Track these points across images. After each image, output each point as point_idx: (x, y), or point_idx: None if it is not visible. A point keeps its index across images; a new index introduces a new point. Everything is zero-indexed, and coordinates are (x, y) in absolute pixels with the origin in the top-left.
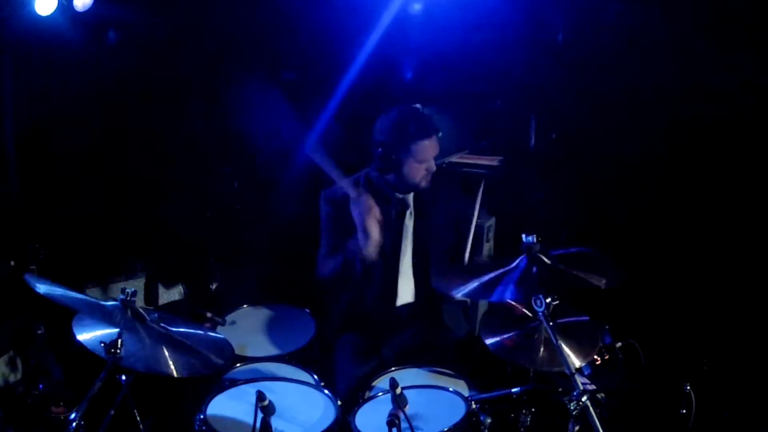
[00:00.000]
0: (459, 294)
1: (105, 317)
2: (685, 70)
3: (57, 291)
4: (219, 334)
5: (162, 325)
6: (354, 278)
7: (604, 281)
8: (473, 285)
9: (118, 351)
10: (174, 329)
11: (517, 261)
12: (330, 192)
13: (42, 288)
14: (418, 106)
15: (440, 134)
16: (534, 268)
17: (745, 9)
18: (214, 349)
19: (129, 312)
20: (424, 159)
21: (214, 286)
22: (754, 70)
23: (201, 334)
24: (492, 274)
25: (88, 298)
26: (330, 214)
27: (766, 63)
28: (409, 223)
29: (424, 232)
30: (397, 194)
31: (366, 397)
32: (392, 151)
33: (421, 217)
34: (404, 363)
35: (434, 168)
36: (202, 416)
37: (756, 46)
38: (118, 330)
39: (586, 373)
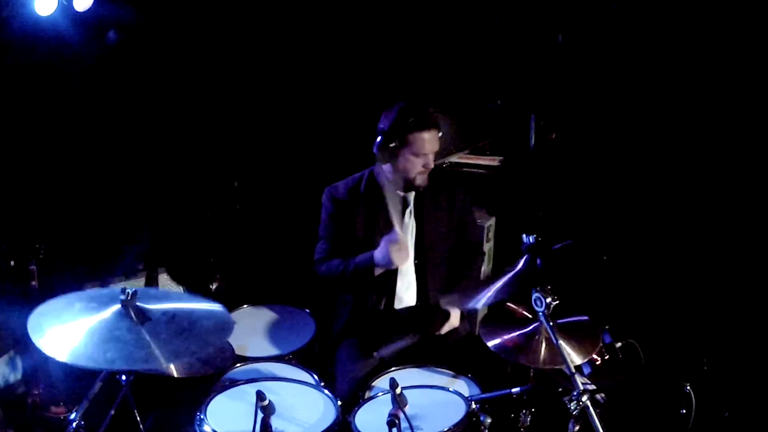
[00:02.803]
0: (476, 305)
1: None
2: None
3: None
4: None
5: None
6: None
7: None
8: (487, 293)
9: None
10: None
11: (522, 262)
12: (334, 189)
13: (60, 355)
14: None
15: (441, 133)
16: (538, 260)
17: None
18: (214, 349)
19: (131, 312)
20: (421, 152)
21: (214, 286)
22: None
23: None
24: (502, 280)
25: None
26: (331, 212)
27: None
28: (409, 221)
29: (425, 232)
30: (398, 192)
31: (366, 397)
32: (390, 140)
33: (422, 218)
34: (404, 363)
35: (431, 165)
36: (202, 416)
37: None
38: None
39: (586, 373)
